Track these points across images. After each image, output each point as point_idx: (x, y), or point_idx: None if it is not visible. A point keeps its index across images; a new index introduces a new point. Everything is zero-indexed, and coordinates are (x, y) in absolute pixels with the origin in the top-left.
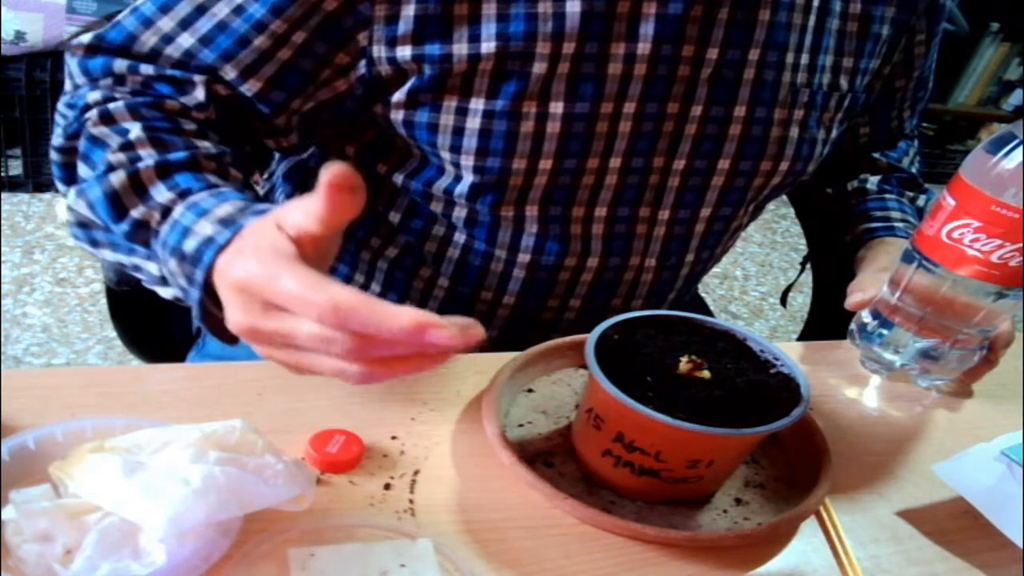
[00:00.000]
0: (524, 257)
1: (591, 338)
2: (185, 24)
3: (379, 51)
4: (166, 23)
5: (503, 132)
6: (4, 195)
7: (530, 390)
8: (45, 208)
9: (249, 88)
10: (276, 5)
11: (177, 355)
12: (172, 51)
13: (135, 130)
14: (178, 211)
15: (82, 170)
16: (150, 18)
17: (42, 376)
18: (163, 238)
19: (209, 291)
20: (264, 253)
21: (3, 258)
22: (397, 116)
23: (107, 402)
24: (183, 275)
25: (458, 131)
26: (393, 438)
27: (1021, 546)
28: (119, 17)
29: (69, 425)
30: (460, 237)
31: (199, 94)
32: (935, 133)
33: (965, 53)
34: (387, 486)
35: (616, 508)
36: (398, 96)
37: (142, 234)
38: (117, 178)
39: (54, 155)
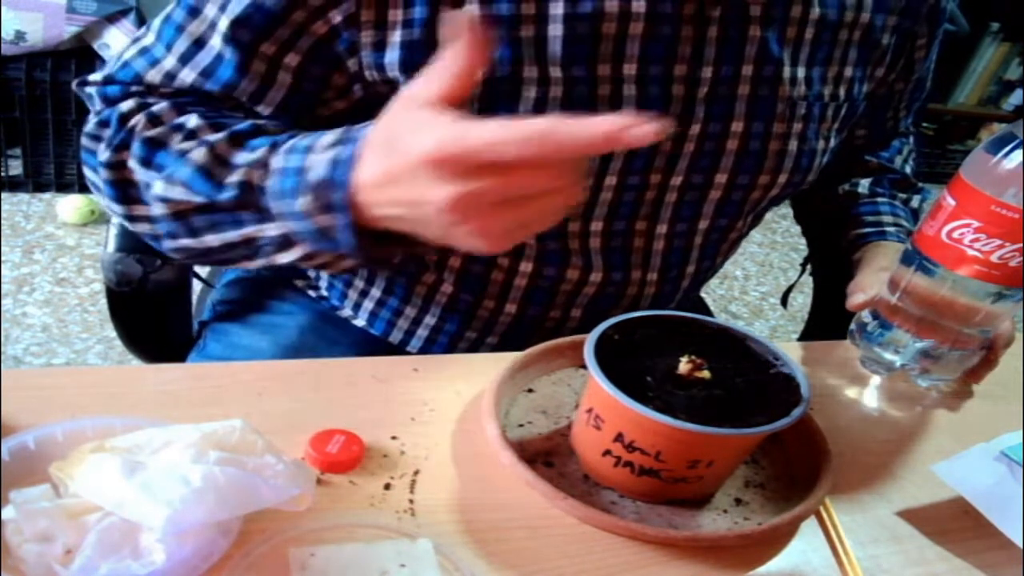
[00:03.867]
0: (526, 267)
1: (591, 338)
2: (185, 59)
3: (372, 75)
4: (168, 61)
5: None
6: (4, 195)
7: (530, 390)
8: (45, 208)
9: (262, 111)
10: (263, 28)
11: (177, 355)
12: (177, 86)
13: (191, 120)
14: (278, 160)
15: (142, 174)
16: (156, 56)
17: (42, 376)
18: (275, 189)
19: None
20: (427, 123)
21: (3, 258)
22: None
23: (107, 402)
24: (320, 207)
25: None
26: (393, 438)
27: (1021, 546)
28: (124, 56)
29: (69, 425)
30: None
31: (226, 103)
32: (935, 133)
33: (965, 53)
34: (387, 486)
35: (616, 508)
36: None
37: (248, 196)
38: (198, 154)
39: (104, 173)
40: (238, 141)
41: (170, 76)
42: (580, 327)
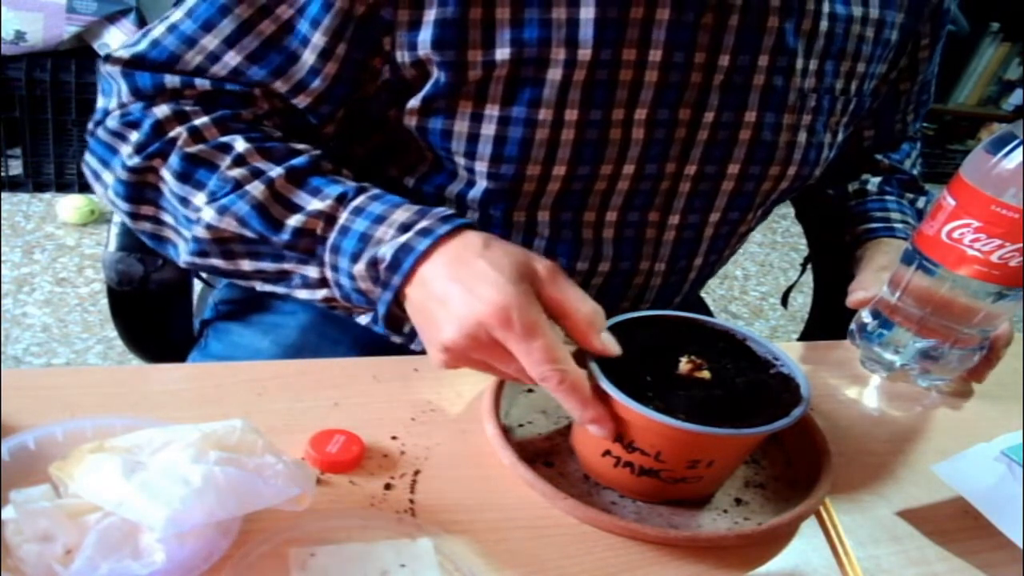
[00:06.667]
0: None
1: None
2: (231, 42)
3: (402, 56)
4: (210, 41)
5: (518, 139)
6: (4, 195)
7: (530, 390)
8: (45, 208)
9: (300, 102)
10: (315, 19)
11: (177, 355)
12: (219, 69)
13: (239, 143)
14: (345, 217)
15: (175, 186)
16: (192, 37)
17: (42, 376)
18: (335, 244)
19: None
20: (526, 300)
21: (3, 258)
22: (410, 122)
23: (107, 402)
24: (373, 278)
25: (473, 137)
26: (393, 438)
27: (1021, 546)
28: (154, 34)
29: (69, 425)
30: None
31: (264, 104)
32: (935, 133)
33: (965, 53)
34: (387, 486)
35: (616, 508)
36: (413, 103)
37: (303, 241)
38: (257, 190)
39: (124, 173)
40: (297, 179)
41: (212, 58)
42: None
